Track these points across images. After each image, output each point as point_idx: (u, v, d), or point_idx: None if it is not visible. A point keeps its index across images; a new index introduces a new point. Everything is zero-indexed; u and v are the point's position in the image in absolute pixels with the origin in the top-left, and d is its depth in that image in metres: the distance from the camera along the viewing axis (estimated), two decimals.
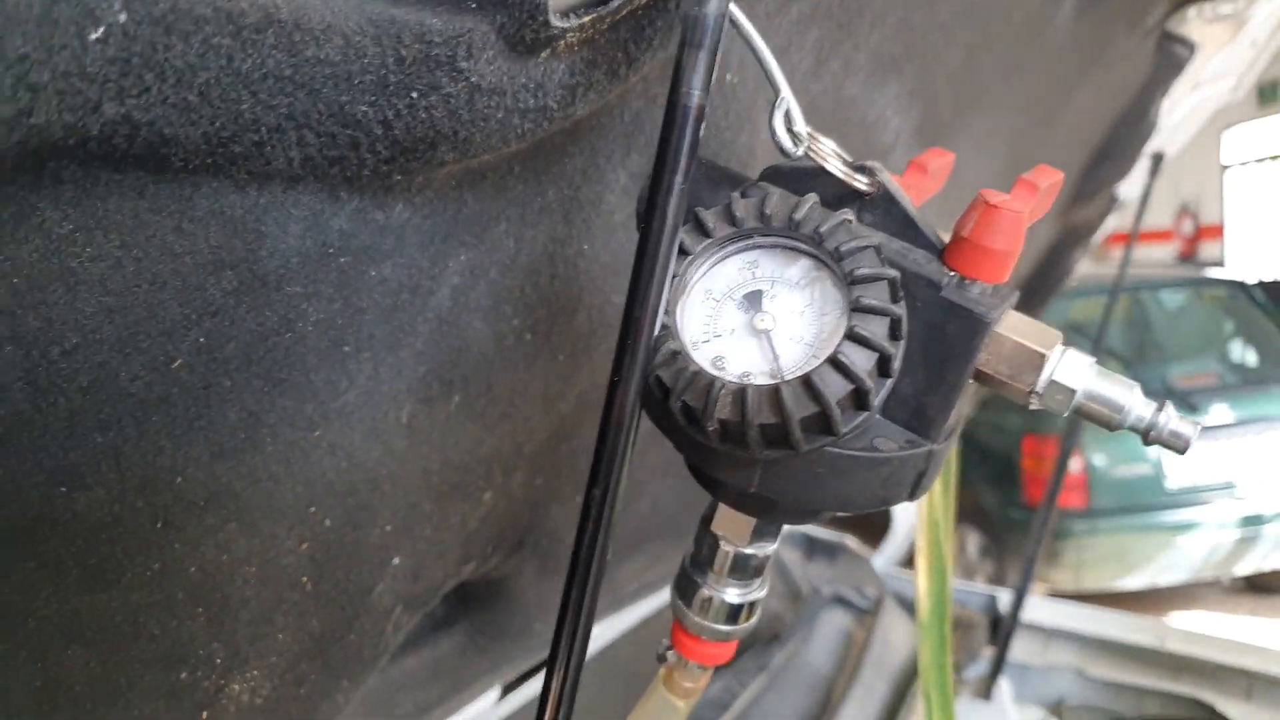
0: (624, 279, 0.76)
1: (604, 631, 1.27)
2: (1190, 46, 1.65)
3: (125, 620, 0.54)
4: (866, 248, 0.42)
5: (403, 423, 0.66)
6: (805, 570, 2.36)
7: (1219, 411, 4.95)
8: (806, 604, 2.12)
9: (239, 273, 0.46)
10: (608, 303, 0.76)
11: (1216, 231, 9.69)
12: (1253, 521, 4.82)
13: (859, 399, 0.42)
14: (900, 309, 0.42)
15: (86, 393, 0.44)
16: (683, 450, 0.48)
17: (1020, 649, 2.25)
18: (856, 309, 0.42)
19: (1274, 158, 9.37)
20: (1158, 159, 1.89)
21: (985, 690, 2.10)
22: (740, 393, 0.41)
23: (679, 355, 0.43)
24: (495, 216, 0.58)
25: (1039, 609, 2.28)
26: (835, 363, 0.41)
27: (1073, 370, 0.45)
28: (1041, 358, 0.45)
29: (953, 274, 0.45)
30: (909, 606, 2.33)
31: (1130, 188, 2.01)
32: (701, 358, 0.44)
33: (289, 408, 0.56)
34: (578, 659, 0.46)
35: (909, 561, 2.54)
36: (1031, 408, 0.47)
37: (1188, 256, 9.56)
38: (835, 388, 0.41)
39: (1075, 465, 4.72)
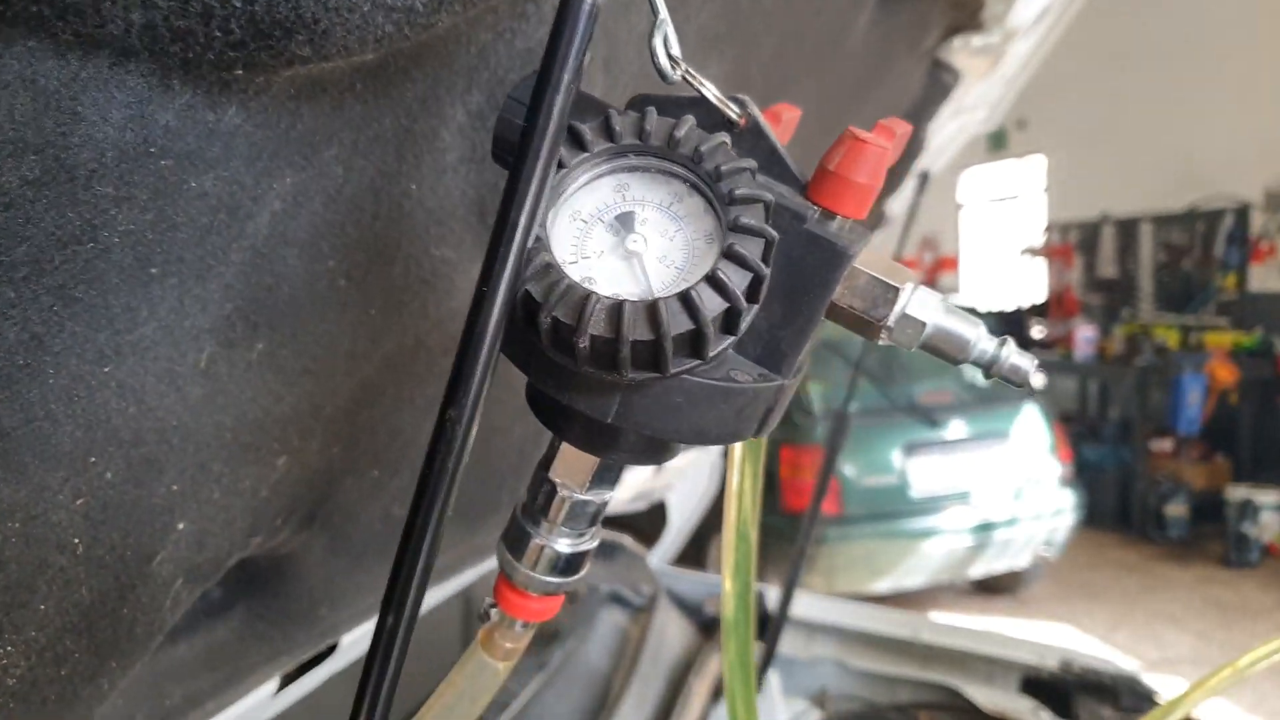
0: (447, 229, 0.72)
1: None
2: (955, 74, 1.78)
3: None
4: (745, 170, 0.42)
5: (201, 368, 0.59)
6: None
7: (956, 426, 5.40)
8: (584, 602, 2.11)
9: (44, 159, 0.40)
10: (426, 254, 0.72)
11: (953, 263, 10.61)
12: (984, 528, 5.28)
13: (730, 320, 0.41)
14: (774, 233, 0.42)
15: None
16: (535, 377, 0.46)
17: (786, 643, 2.34)
18: (734, 228, 0.41)
19: (1000, 200, 10.39)
20: (924, 177, 2.03)
21: (756, 684, 2.16)
22: (616, 308, 0.40)
23: (552, 268, 0.40)
24: (328, 138, 0.54)
25: (803, 605, 2.38)
26: (713, 280, 0.40)
27: (923, 306, 0.46)
28: (895, 292, 0.46)
29: (816, 208, 0.45)
30: (682, 603, 2.37)
31: (898, 204, 2.15)
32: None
33: (79, 334, 0.49)
34: (416, 595, 0.42)
35: (682, 559, 2.59)
36: (881, 342, 0.48)
37: (929, 284, 10.37)
38: (711, 305, 0.40)
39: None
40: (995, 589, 5.98)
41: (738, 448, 0.89)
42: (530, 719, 1.70)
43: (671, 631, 2.19)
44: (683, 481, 2.52)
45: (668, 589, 2.40)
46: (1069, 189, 9.11)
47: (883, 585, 5.19)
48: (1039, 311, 8.70)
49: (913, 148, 1.90)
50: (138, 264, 0.48)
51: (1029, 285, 9.52)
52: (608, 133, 0.43)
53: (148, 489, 0.62)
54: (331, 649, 1.08)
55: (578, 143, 0.43)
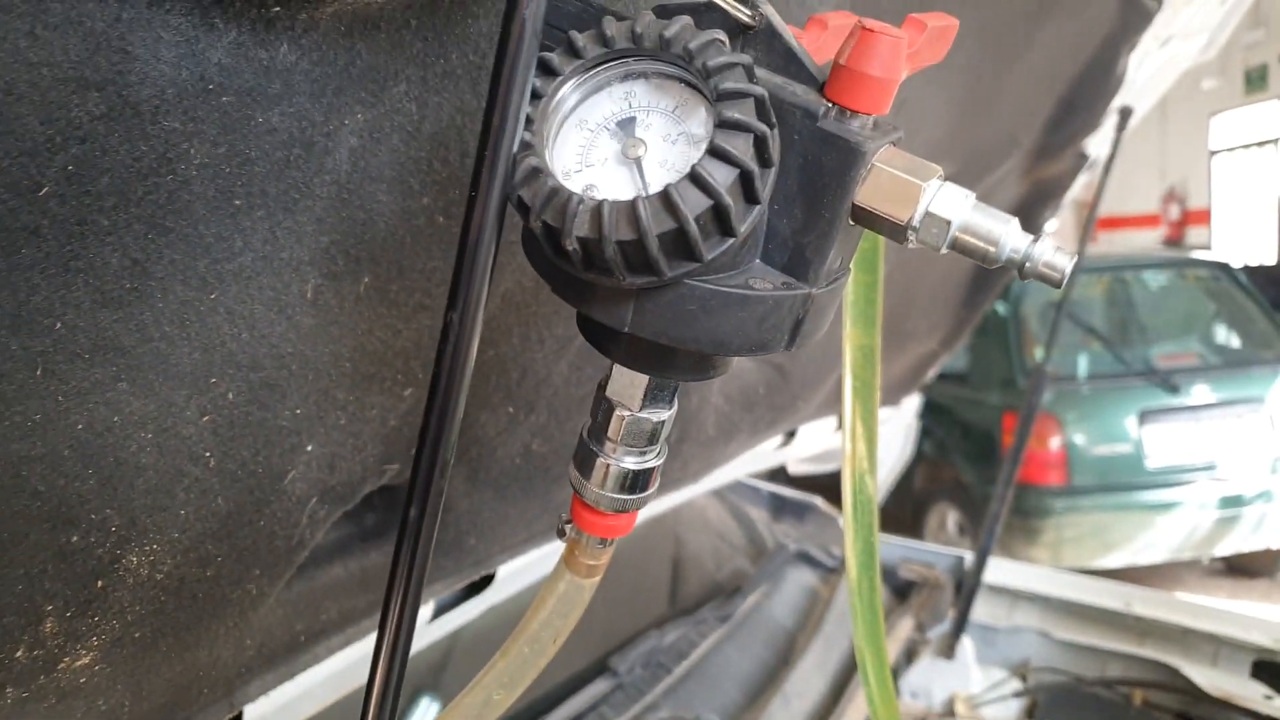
0: None
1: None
2: None
3: (5, 471, 0.53)
4: (735, 65, 0.42)
5: (308, 298, 0.65)
6: (772, 529, 2.36)
7: (1200, 392, 4.96)
8: (771, 559, 2.12)
9: (106, 96, 0.45)
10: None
11: (1204, 217, 9.70)
12: (1233, 503, 4.84)
13: (720, 219, 0.41)
14: (765, 127, 0.41)
15: None
16: (557, 290, 0.48)
17: (986, 611, 2.26)
18: (720, 124, 0.41)
19: (1260, 144, 9.37)
20: (1125, 114, 1.88)
21: (948, 649, 2.11)
22: (597, 208, 0.41)
23: (539, 172, 0.42)
24: (394, 75, 0.57)
25: (1005, 572, 2.29)
26: (694, 177, 0.40)
27: (949, 202, 0.44)
28: (919, 189, 0.44)
29: (831, 105, 0.44)
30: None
31: (1100, 145, 2.00)
32: (573, 187, 0.43)
33: (178, 261, 0.55)
34: (437, 488, 0.45)
35: (898, 527, 2.54)
36: (910, 245, 0.46)
37: (1174, 240, 9.57)
38: (693, 203, 0.40)
39: (1055, 443, 4.73)
40: (1249, 571, 5.47)
41: (850, 412, 0.87)
42: (710, 669, 1.73)
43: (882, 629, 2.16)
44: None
45: None
46: None
47: (1114, 561, 4.86)
48: None
49: (1109, 83, 1.77)
50: (220, 196, 0.53)
51: None
52: (601, 39, 0.44)
53: (272, 411, 0.68)
54: (488, 581, 1.14)
55: (571, 51, 0.44)
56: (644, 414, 0.55)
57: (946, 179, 0.45)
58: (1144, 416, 4.85)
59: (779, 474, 2.63)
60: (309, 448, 0.74)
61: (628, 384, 0.55)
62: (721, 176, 0.40)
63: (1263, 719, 1.83)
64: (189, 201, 0.52)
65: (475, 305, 0.42)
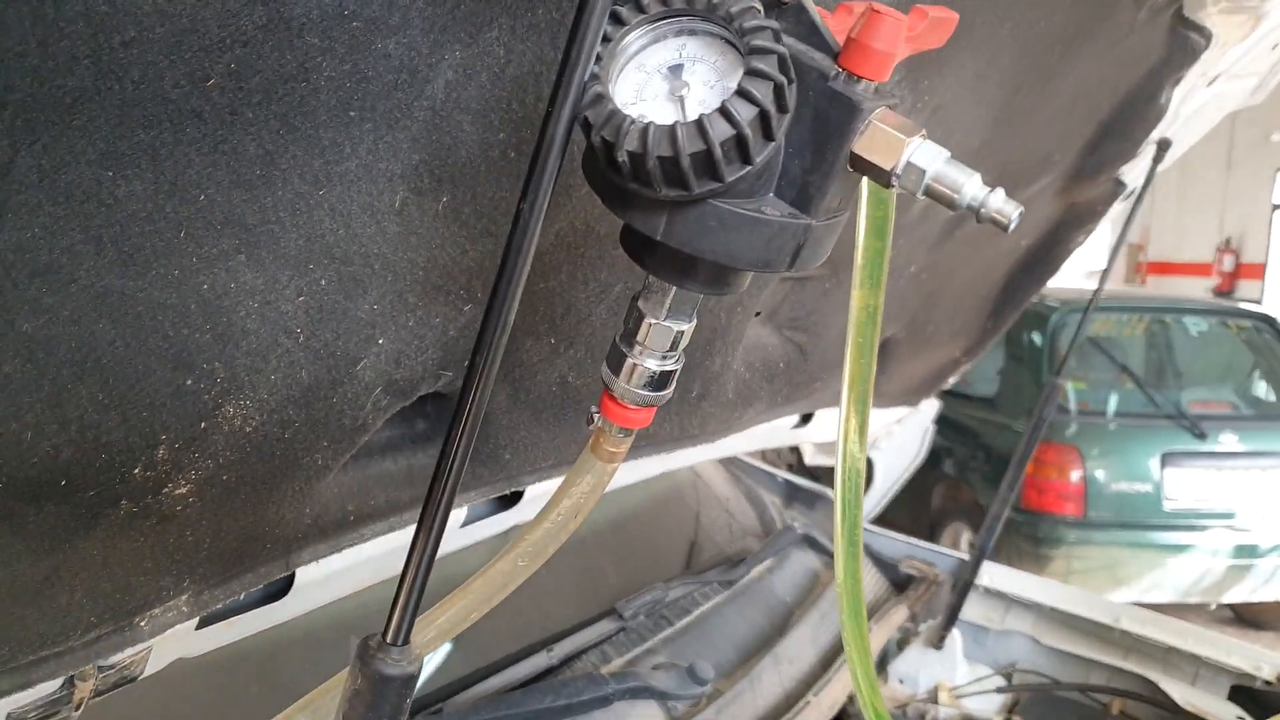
0: None
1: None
2: (1206, 35, 1.71)
3: (147, 313, 0.66)
4: (765, 28, 0.53)
5: (396, 207, 0.77)
6: (783, 513, 2.46)
7: (1228, 440, 5.00)
8: (777, 537, 2.21)
9: (269, 10, 0.57)
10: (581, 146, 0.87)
11: (1258, 271, 9.65)
12: (1247, 553, 4.87)
13: (742, 147, 0.53)
14: (784, 79, 0.53)
15: (138, 86, 0.55)
16: (605, 199, 0.59)
17: (980, 613, 2.34)
18: (748, 72, 0.52)
19: None
20: (1164, 145, 1.96)
21: (938, 640, 2.20)
22: (645, 129, 0.52)
23: (603, 98, 0.53)
24: (489, 21, 0.69)
25: (1003, 578, 2.37)
26: (723, 110, 0.51)
27: (925, 156, 0.55)
28: (903, 143, 0.55)
29: (841, 70, 0.56)
30: (878, 559, 2.43)
31: (1136, 175, 2.08)
32: (629, 114, 0.55)
33: (299, 157, 0.67)
34: (493, 354, 0.56)
35: (882, 520, 2.63)
36: (895, 190, 0.57)
37: (1225, 291, 9.53)
38: (720, 131, 0.51)
39: (1075, 475, 4.79)
40: (1257, 622, 5.48)
41: (844, 416, 0.98)
42: (708, 626, 1.84)
43: (864, 580, 2.25)
44: (890, 441, 2.56)
45: (865, 544, 2.46)
46: None
47: (1122, 596, 4.90)
48: None
49: (1150, 113, 1.85)
50: (340, 106, 0.65)
51: None
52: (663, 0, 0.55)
53: (354, 302, 0.80)
54: (518, 498, 1.26)
55: (638, 7, 0.56)
56: (667, 322, 0.67)
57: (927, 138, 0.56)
58: (1167, 459, 4.89)
59: (796, 465, 2.73)
60: (380, 341, 0.86)
61: (657, 294, 0.66)
62: (745, 112, 0.52)
63: None
64: (315, 108, 0.64)
65: (545, 196, 0.54)
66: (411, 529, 1.10)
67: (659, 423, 1.29)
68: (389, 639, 0.60)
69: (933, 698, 2.10)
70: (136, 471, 0.72)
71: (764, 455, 3.55)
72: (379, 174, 0.73)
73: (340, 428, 0.88)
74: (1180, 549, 4.83)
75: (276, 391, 0.79)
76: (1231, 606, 5.47)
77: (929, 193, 0.56)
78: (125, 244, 0.62)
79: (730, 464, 2.60)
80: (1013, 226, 0.55)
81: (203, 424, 0.75)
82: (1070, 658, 2.23)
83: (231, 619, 1.02)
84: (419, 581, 0.60)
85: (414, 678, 0.61)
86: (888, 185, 0.57)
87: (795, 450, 2.90)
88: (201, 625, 0.97)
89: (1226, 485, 4.92)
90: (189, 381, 0.72)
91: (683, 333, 0.68)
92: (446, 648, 1.56)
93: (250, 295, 0.72)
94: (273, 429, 0.81)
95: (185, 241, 0.65)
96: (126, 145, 0.58)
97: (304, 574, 1.01)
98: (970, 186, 0.55)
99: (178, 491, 0.77)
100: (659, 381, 0.70)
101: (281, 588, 1.03)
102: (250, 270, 0.71)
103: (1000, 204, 0.55)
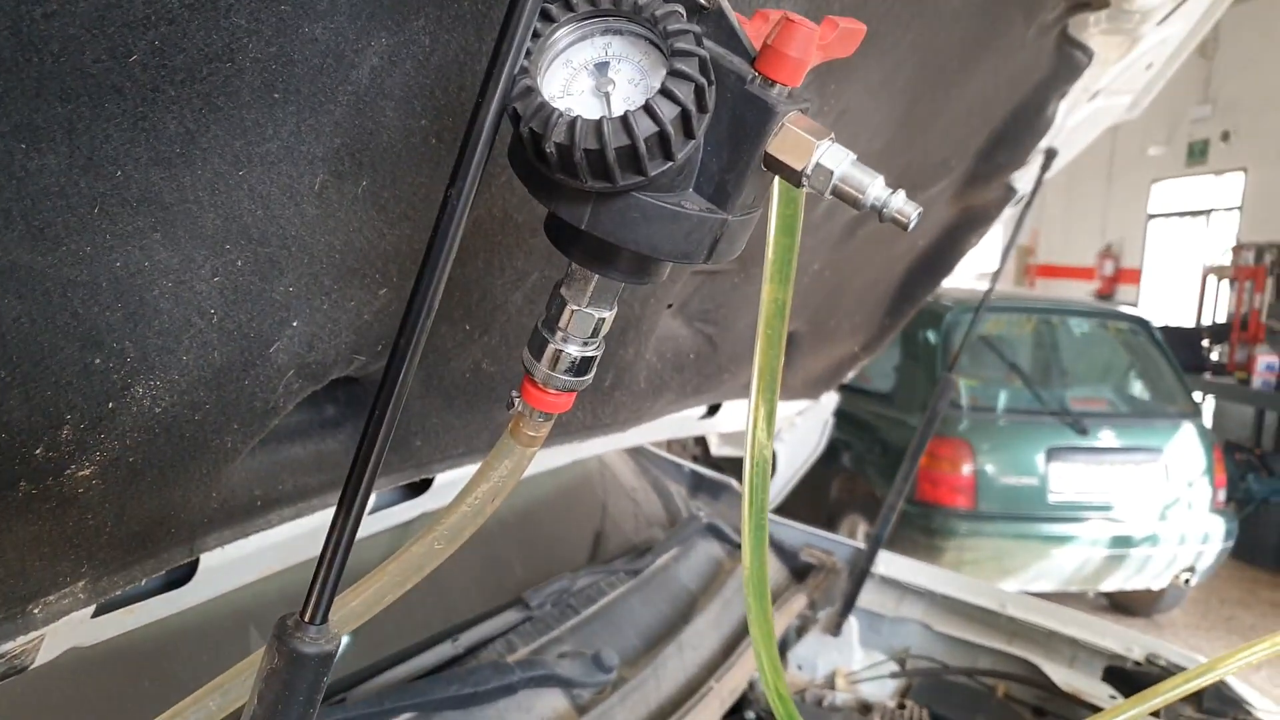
0: None
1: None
2: (1088, 53, 1.81)
3: (56, 289, 0.65)
4: (687, 31, 0.55)
5: (315, 190, 0.77)
6: (688, 503, 2.50)
7: (1106, 436, 5.25)
8: (682, 526, 2.25)
9: None
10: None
11: (1135, 276, 10.16)
12: (1122, 543, 5.13)
13: (664, 143, 0.55)
14: (705, 80, 0.55)
15: (57, 59, 0.55)
16: (531, 189, 0.61)
17: (875, 600, 2.43)
18: (671, 73, 0.54)
19: (1194, 213, 9.85)
20: (1050, 155, 2.06)
21: (835, 627, 2.27)
22: (572, 122, 0.54)
23: (532, 91, 0.55)
24: (415, 10, 0.70)
25: (898, 567, 2.46)
26: (647, 108, 0.53)
27: (833, 158, 0.59)
28: (813, 145, 0.58)
29: (758, 75, 0.58)
30: (779, 548, 2.49)
31: (1026, 181, 2.18)
32: (556, 107, 0.56)
33: (220, 137, 0.67)
34: (424, 325, 0.57)
35: (782, 510, 2.70)
36: (806, 190, 0.60)
37: (1105, 294, 10.01)
38: (644, 127, 0.53)
39: (966, 469, 4.98)
40: (1129, 609, 5.79)
41: (754, 405, 1.01)
42: (614, 614, 1.86)
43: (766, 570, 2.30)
44: (792, 433, 2.63)
45: (770, 534, 2.51)
46: (1270, 209, 8.57)
47: (1009, 586, 5.12)
48: (1218, 334, 8.25)
49: (1038, 124, 1.94)
50: (264, 87, 0.65)
51: (1212, 306, 9.03)
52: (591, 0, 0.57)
53: (270, 284, 0.80)
54: (426, 485, 1.27)
55: (567, 5, 0.57)
56: (589, 309, 0.68)
57: (834, 142, 0.59)
58: (1051, 453, 5.12)
59: (701, 457, 2.78)
60: (294, 324, 0.85)
61: (580, 282, 0.68)
62: (668, 110, 0.54)
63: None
64: (239, 88, 0.64)
65: (473, 185, 0.55)
66: (319, 515, 1.10)
67: (573, 411, 1.30)
68: (307, 618, 0.61)
69: (830, 683, 2.17)
70: (38, 452, 0.71)
71: (669, 447, 3.60)
72: (300, 156, 0.73)
73: (251, 410, 0.87)
74: (1063, 540, 5.06)
75: (188, 372, 0.78)
76: (1108, 594, 5.76)
77: (836, 193, 0.59)
78: (36, 218, 0.61)
79: (637, 454, 2.63)
80: (912, 226, 0.58)
81: (110, 404, 0.74)
82: (960, 643, 2.33)
83: (131, 606, 1.00)
84: (339, 559, 0.60)
85: (331, 656, 0.61)
86: (798, 185, 0.60)
87: (701, 442, 2.94)
88: (98, 613, 0.95)
89: (1105, 479, 5.17)
90: (97, 360, 0.70)
91: (604, 320, 0.70)
92: (346, 639, 1.55)
93: (164, 274, 0.71)
94: (182, 410, 0.80)
95: (99, 218, 0.64)
96: (42, 118, 0.57)
97: (208, 560, 1.00)
98: (874, 188, 0.59)
99: (80, 474, 0.76)
100: (580, 367, 0.71)
101: (185, 574, 1.02)
102: (165, 249, 0.70)
103: (901, 204, 0.58)
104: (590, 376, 0.73)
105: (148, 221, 0.67)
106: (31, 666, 0.87)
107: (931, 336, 5.35)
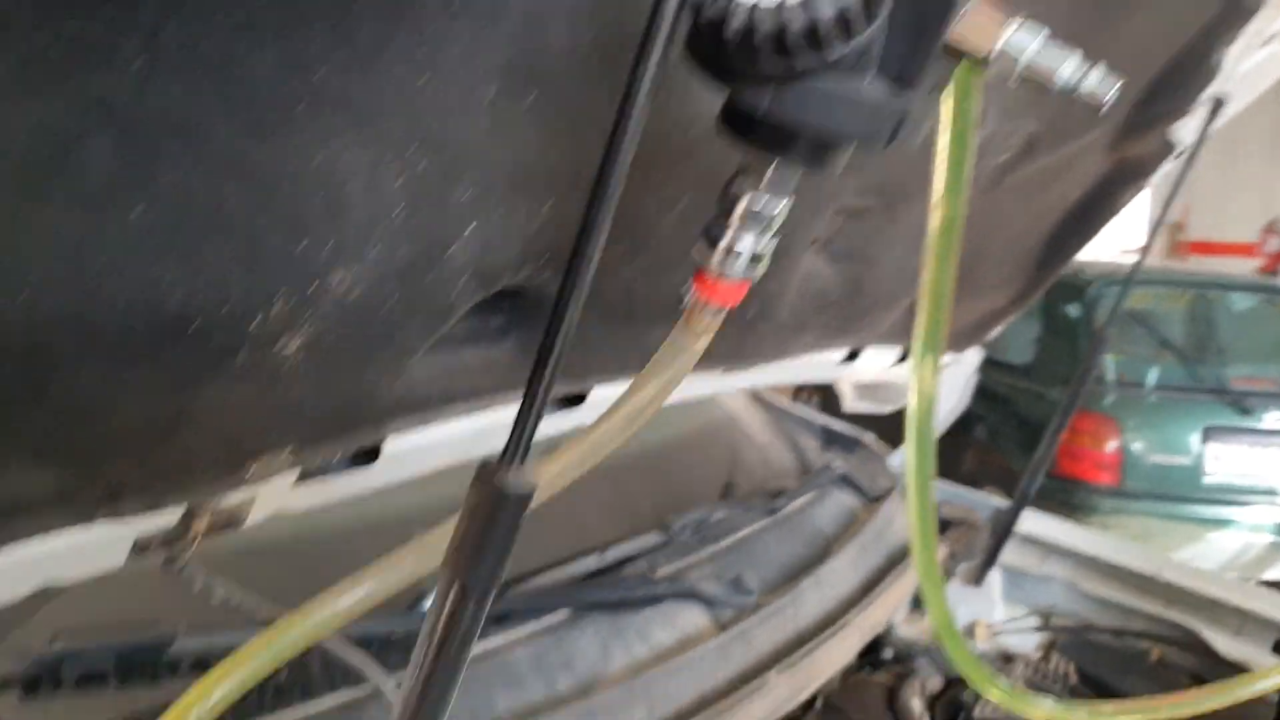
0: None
1: None
2: None
3: (269, 178, 0.73)
4: None
5: (488, 102, 0.83)
6: (821, 456, 2.51)
7: (1272, 418, 4.97)
8: (817, 476, 2.26)
9: None
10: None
11: None
12: None
13: (845, 26, 0.57)
14: None
15: None
16: (714, 73, 0.64)
17: (1019, 558, 2.38)
18: None
19: None
20: (1217, 104, 1.97)
21: (976, 578, 2.24)
22: (753, 7, 0.58)
23: None
24: None
25: (1042, 524, 2.41)
26: None
27: (1024, 36, 0.60)
28: (1000, 25, 0.60)
29: None
30: None
31: (1186, 134, 2.09)
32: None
33: (405, 45, 0.73)
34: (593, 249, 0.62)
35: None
36: (990, 75, 0.62)
37: (1269, 272, 9.42)
38: (825, 10, 0.57)
39: (1111, 445, 4.80)
40: None
41: (923, 323, 1.01)
42: (752, 547, 1.88)
43: (900, 522, 2.27)
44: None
45: (904, 489, 2.50)
46: None
47: None
48: None
49: (1202, 72, 1.87)
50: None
51: None
52: None
53: (449, 188, 0.87)
54: (580, 399, 1.33)
55: None
56: (764, 198, 0.71)
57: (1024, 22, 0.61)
58: (1209, 433, 4.88)
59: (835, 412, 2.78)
60: (470, 229, 0.92)
61: (756, 173, 0.71)
62: None
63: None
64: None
65: (653, 84, 0.59)
66: (486, 415, 1.18)
67: (716, 341, 1.35)
68: (507, 458, 0.66)
69: (969, 633, 2.16)
70: (254, 324, 0.80)
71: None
72: (475, 67, 0.79)
73: (431, 307, 0.95)
74: (1221, 523, 4.83)
75: (378, 265, 0.86)
76: (1273, 584, 5.46)
77: (1025, 75, 0.61)
78: (252, 112, 0.69)
79: (766, 407, 2.66)
80: (1106, 107, 0.59)
81: (315, 284, 0.82)
82: (1109, 605, 2.25)
83: (325, 477, 1.11)
84: (540, 399, 0.66)
85: (528, 498, 0.66)
86: (984, 67, 0.62)
87: (827, 407, 2.94)
88: (299, 480, 1.06)
89: (1271, 462, 4.90)
90: (304, 243, 0.79)
91: (775, 216, 0.72)
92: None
93: (356, 171, 0.79)
94: (373, 300, 0.88)
95: (303, 115, 0.72)
96: (258, 20, 0.65)
97: (389, 446, 1.09)
98: (1068, 66, 0.60)
99: (287, 350, 0.84)
100: (752, 261, 0.75)
101: (370, 456, 1.12)
102: (357, 148, 0.77)
103: (1097, 83, 0.60)
104: (761, 269, 0.76)
105: (343, 121, 0.75)
106: (244, 523, 0.98)
107: (1074, 310, 5.16)
